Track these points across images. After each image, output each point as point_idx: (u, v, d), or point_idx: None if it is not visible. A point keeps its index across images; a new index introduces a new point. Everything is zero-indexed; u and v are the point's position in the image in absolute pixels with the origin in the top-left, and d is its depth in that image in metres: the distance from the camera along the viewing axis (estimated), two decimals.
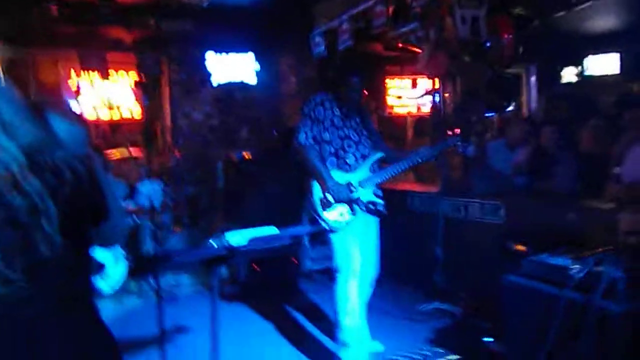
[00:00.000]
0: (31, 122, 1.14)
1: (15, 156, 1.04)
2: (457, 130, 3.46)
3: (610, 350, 2.15)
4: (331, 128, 3.18)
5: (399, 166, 3.26)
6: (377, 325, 3.51)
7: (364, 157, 3.25)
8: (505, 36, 4.34)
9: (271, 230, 2.06)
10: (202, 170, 6.50)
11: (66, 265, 1.10)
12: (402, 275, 4.67)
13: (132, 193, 2.14)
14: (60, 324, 1.12)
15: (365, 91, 3.49)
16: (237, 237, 1.95)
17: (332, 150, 3.19)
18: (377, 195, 3.26)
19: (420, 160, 3.29)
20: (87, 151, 1.56)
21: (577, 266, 2.37)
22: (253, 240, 2.00)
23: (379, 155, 3.29)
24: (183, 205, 5.90)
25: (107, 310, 4.40)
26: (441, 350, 3.15)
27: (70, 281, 1.15)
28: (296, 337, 3.74)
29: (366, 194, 3.17)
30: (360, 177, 3.18)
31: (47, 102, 1.60)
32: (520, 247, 3.21)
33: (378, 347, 3.38)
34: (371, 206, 3.20)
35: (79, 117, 1.64)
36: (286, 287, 4.88)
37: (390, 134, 9.44)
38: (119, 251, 1.52)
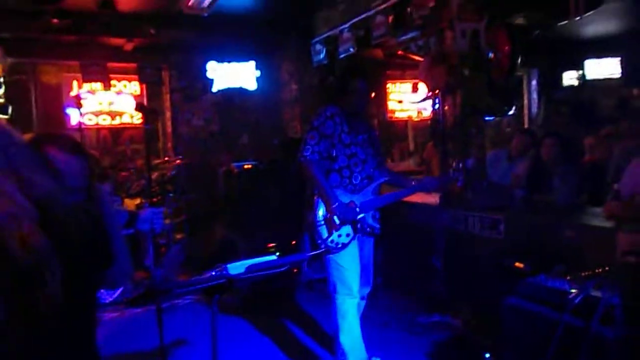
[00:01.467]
0: (41, 170, 1.15)
1: (29, 212, 1.05)
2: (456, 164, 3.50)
3: None
4: (339, 145, 3.09)
5: (401, 194, 3.27)
6: (376, 337, 3.53)
7: (369, 178, 3.18)
8: (506, 48, 4.34)
9: (270, 258, 2.07)
10: (202, 177, 6.52)
11: (68, 319, 1.12)
12: (401, 286, 4.68)
13: (133, 220, 2.17)
14: None
15: (371, 95, 3.43)
16: (237, 267, 1.97)
17: (337, 167, 3.11)
18: (375, 218, 3.24)
19: (423, 191, 3.35)
20: (87, 183, 1.58)
21: (575, 290, 2.38)
22: (252, 268, 2.01)
23: (383, 179, 3.25)
24: (184, 212, 5.91)
25: (107, 320, 4.46)
26: None
27: (71, 331, 1.17)
28: (295, 351, 3.75)
29: (366, 217, 3.14)
30: (363, 199, 3.12)
31: (46, 136, 1.63)
32: (519, 265, 3.23)
33: None
34: (369, 229, 3.18)
35: (79, 147, 1.65)
36: (285, 297, 4.90)
37: (390, 138, 9.49)
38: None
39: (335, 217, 3.02)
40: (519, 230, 3.65)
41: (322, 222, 3.08)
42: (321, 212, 3.08)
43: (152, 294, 1.86)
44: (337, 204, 3.00)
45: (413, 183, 3.36)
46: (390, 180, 3.34)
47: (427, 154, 6.95)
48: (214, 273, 1.96)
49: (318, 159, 3.05)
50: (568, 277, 2.57)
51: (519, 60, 4.63)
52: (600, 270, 2.62)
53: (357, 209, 3.07)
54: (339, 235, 3.07)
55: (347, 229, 3.07)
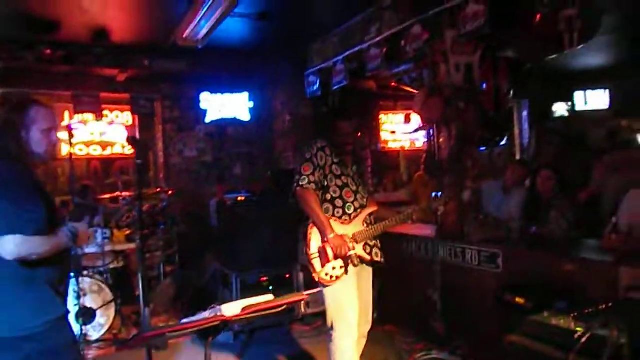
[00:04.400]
0: None
1: None
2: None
3: None
4: (330, 175, 3.11)
5: (392, 222, 3.17)
6: None
7: (362, 207, 3.17)
8: (498, 81, 4.37)
9: (266, 298, 2.00)
10: (194, 208, 6.43)
11: None
12: (398, 320, 4.58)
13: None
14: None
15: (358, 135, 3.43)
16: (232, 308, 1.89)
17: (329, 198, 3.11)
18: (371, 247, 3.16)
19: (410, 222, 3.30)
20: None
21: (581, 329, 2.31)
22: (247, 309, 1.93)
23: (373, 208, 3.23)
24: (174, 244, 5.80)
25: (94, 359, 4.29)
26: None
27: None
28: None
29: (359, 248, 3.07)
30: (355, 230, 3.09)
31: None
32: (519, 300, 3.15)
33: None
34: (362, 261, 3.09)
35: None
36: (280, 332, 4.77)
37: (383, 168, 9.48)
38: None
39: (328, 249, 2.96)
40: (517, 263, 3.59)
41: (317, 255, 3.01)
42: (315, 243, 3.03)
43: (143, 339, 1.76)
44: (332, 235, 2.95)
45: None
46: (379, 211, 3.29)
47: (415, 185, 6.82)
48: (207, 314, 1.88)
49: (314, 189, 3.06)
50: (572, 315, 2.51)
51: (511, 92, 4.67)
52: (604, 306, 2.56)
53: (351, 243, 3.01)
54: (333, 268, 3.00)
55: (341, 262, 3.00)
